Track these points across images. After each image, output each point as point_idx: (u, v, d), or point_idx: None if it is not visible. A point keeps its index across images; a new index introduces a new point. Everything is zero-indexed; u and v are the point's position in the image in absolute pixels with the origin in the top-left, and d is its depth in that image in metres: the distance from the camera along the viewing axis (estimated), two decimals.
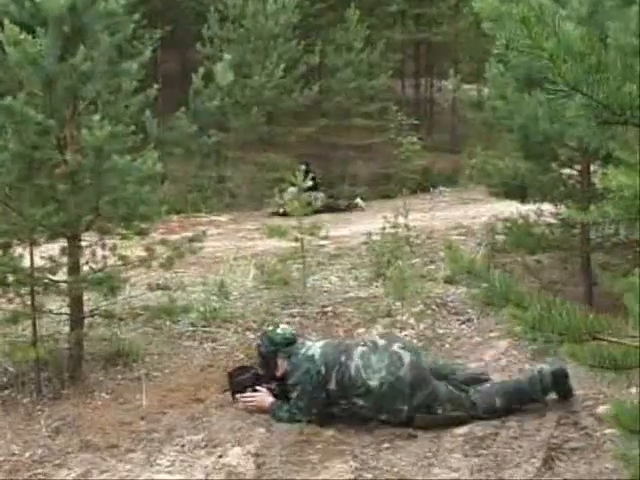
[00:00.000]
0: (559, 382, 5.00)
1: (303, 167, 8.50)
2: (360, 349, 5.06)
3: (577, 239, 7.13)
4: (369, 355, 4.99)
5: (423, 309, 6.84)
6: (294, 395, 5.00)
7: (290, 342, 5.21)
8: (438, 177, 17.57)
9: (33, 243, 5.63)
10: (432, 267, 8.39)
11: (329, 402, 4.97)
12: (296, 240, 7.86)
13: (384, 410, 4.88)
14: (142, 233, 6.03)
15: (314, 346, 5.14)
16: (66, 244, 5.81)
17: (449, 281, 7.68)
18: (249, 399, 5.19)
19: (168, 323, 6.72)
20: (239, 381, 5.28)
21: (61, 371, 5.75)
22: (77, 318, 5.82)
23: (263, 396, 5.16)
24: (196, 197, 14.97)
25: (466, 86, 16.57)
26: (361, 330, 6.61)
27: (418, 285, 7.31)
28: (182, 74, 16.84)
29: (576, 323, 2.14)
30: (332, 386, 4.94)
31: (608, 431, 4.53)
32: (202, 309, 6.85)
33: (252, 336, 6.55)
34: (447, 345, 6.32)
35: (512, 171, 7.45)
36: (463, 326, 6.66)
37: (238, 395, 5.24)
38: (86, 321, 5.95)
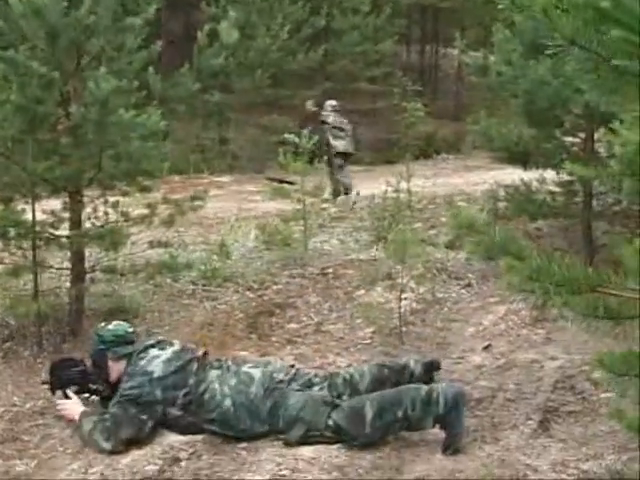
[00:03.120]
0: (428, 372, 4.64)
1: (305, 131, 8.50)
2: (215, 372, 4.50)
3: (579, 207, 7.13)
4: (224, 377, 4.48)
5: (423, 273, 6.85)
6: (112, 403, 4.35)
7: (123, 341, 4.51)
8: (441, 144, 17.54)
9: (35, 197, 5.63)
10: (433, 232, 8.39)
11: (167, 425, 4.36)
12: (298, 202, 7.86)
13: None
14: (145, 190, 6.03)
15: (156, 360, 4.40)
16: (68, 199, 5.80)
17: (450, 246, 7.68)
18: (59, 406, 4.51)
19: (168, 281, 6.74)
20: (63, 376, 4.55)
21: (62, 325, 5.78)
22: (78, 273, 5.83)
23: (72, 405, 4.45)
24: (198, 158, 14.94)
25: (472, 53, 16.49)
26: (361, 292, 6.63)
27: (419, 249, 7.30)
28: (186, 34, 16.72)
29: (575, 275, 2.15)
30: (175, 410, 4.34)
31: (604, 395, 4.56)
32: (203, 268, 6.87)
33: (252, 296, 6.57)
34: (446, 309, 6.34)
35: (515, 137, 7.43)
36: (463, 291, 6.68)
37: (57, 394, 4.56)
38: (87, 276, 5.96)
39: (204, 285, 6.74)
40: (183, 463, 4.03)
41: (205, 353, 4.67)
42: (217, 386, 4.38)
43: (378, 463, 4.03)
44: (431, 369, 4.67)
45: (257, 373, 4.47)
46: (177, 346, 4.58)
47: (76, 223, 5.76)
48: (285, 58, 17.04)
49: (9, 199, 5.68)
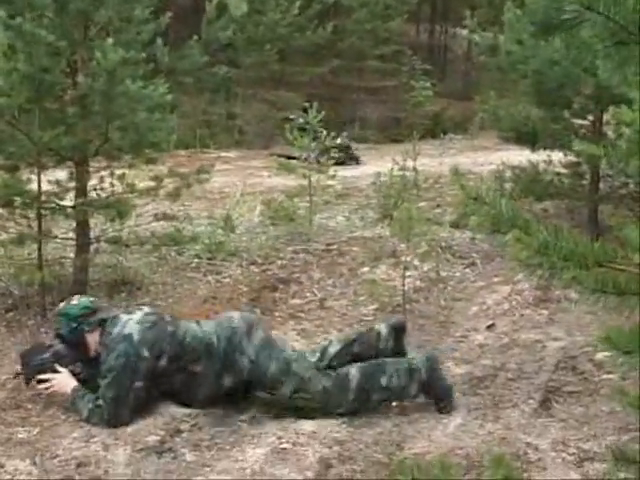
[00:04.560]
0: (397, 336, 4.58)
1: (307, 105, 8.48)
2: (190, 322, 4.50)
3: (585, 189, 7.11)
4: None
5: (428, 251, 6.84)
6: (103, 383, 4.14)
7: (91, 312, 4.33)
8: (449, 124, 17.44)
9: (41, 167, 5.62)
10: (438, 211, 8.39)
11: (157, 382, 4.24)
12: (304, 177, 7.85)
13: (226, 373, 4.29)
14: (151, 162, 6.01)
15: (130, 322, 4.22)
16: (74, 169, 5.80)
17: (455, 225, 7.68)
18: (47, 382, 4.30)
19: (173, 254, 6.75)
20: (35, 364, 4.33)
21: (65, 295, 5.75)
22: (83, 243, 5.83)
23: (64, 378, 4.28)
24: (205, 133, 14.89)
25: (482, 33, 16.40)
26: (365, 269, 6.64)
27: (424, 228, 7.30)
28: (194, 7, 16.63)
29: (582, 249, 2.14)
30: (163, 362, 4.21)
31: (605, 376, 4.58)
32: (207, 242, 6.86)
33: (256, 270, 6.58)
34: (449, 288, 6.34)
35: (523, 118, 7.41)
36: (467, 270, 6.68)
37: (37, 378, 4.33)
38: (92, 247, 5.96)
39: (208, 259, 6.75)
40: (184, 434, 4.05)
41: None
42: (196, 327, 4.37)
43: (379, 438, 4.04)
44: (398, 330, 4.62)
45: (236, 315, 4.56)
46: (146, 308, 4.51)
47: (82, 193, 5.75)
48: (294, 34, 16.94)
49: (15, 168, 5.67)
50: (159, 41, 5.93)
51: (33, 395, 4.41)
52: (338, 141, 9.16)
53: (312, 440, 4.00)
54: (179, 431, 4.07)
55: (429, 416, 4.28)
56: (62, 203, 5.75)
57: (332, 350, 4.43)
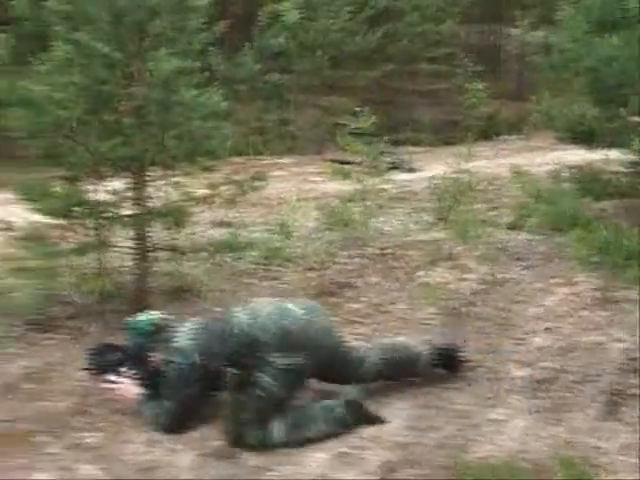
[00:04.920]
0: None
1: (358, 109, 8.49)
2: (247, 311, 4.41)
3: None
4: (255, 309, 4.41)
5: (484, 254, 6.80)
6: (164, 394, 4.26)
7: (159, 329, 4.42)
8: (503, 124, 17.32)
9: (99, 177, 5.71)
10: (494, 213, 8.32)
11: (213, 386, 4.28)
12: (358, 182, 7.85)
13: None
14: (206, 170, 6.07)
15: (180, 333, 4.32)
16: (131, 178, 5.87)
17: (511, 227, 7.62)
18: (112, 386, 4.39)
19: (229, 260, 6.79)
20: (102, 362, 4.43)
21: (125, 303, 5.86)
22: (141, 252, 5.91)
23: (128, 385, 4.37)
24: (258, 139, 14.97)
25: (534, 32, 16.25)
26: (422, 272, 6.61)
27: (480, 230, 7.26)
28: (247, 17, 16.75)
29: None
30: (218, 363, 4.22)
31: None
32: (263, 248, 6.90)
33: (312, 276, 6.59)
34: (507, 290, 6.28)
35: (579, 117, 7.33)
36: (524, 272, 6.61)
37: (103, 378, 4.42)
38: (150, 255, 6.03)
39: (265, 265, 6.78)
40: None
41: None
42: (245, 318, 4.31)
43: (443, 442, 4.02)
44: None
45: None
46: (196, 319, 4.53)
47: (139, 202, 5.83)
48: (345, 39, 16.94)
49: (74, 179, 5.77)
50: (213, 50, 5.98)
51: (99, 401, 4.48)
52: (389, 159, 9.14)
53: (375, 444, 4.00)
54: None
55: (492, 419, 4.25)
56: (120, 212, 5.83)
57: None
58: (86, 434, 4.17)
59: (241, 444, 4.03)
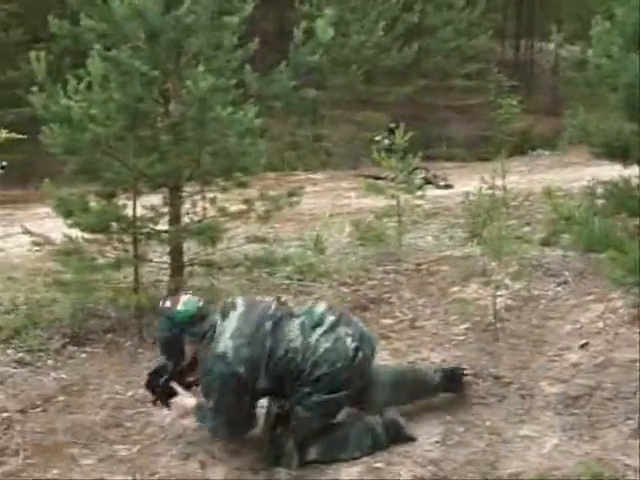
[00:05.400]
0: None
1: (392, 125, 8.51)
2: (297, 322, 4.09)
3: None
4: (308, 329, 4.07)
5: (518, 270, 6.77)
6: (209, 406, 4.02)
7: (197, 319, 4.03)
8: (537, 140, 17.28)
9: (136, 193, 5.79)
10: (528, 229, 8.30)
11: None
12: (392, 197, 7.88)
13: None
14: (242, 186, 6.13)
15: (223, 338, 3.94)
16: (168, 194, 5.95)
17: (545, 243, 7.58)
18: (168, 403, 4.21)
19: (264, 276, 6.84)
20: (157, 386, 4.22)
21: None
22: (177, 267, 5.98)
23: (183, 398, 4.15)
24: (292, 155, 15.07)
25: (569, 47, 16.19)
26: (456, 288, 6.60)
27: (514, 246, 7.23)
28: (278, 33, 16.89)
29: None
30: (263, 384, 3.98)
31: None
32: (298, 263, 6.94)
33: (346, 291, 6.62)
34: (541, 306, 6.25)
35: (615, 132, 7.28)
36: (559, 288, 6.57)
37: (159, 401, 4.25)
38: (185, 270, 6.09)
39: (299, 280, 6.82)
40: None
41: (279, 301, 4.29)
42: (300, 340, 4.01)
43: (472, 458, 4.02)
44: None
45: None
46: (241, 307, 4.11)
47: (175, 218, 5.91)
48: (379, 55, 17.02)
49: (111, 194, 5.86)
50: (248, 67, 6.04)
51: (133, 414, 4.54)
52: (422, 175, 9.15)
53: (406, 459, 4.01)
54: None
55: (523, 435, 4.24)
56: (157, 228, 5.90)
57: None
58: (120, 446, 4.23)
59: (278, 464, 3.99)
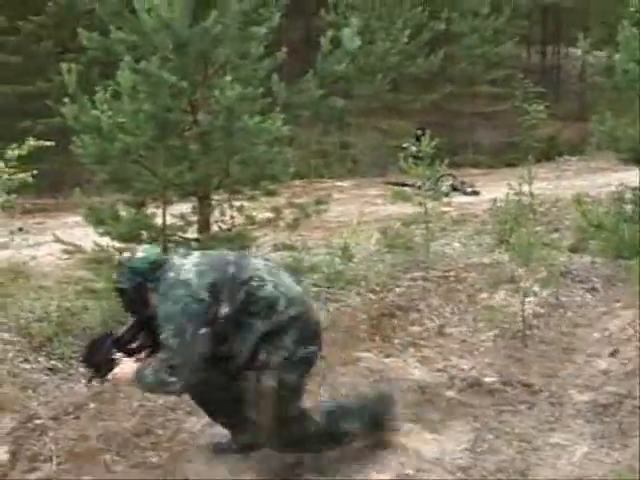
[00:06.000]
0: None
1: (419, 132, 8.52)
2: (261, 260, 3.91)
3: None
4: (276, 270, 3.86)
5: (547, 276, 6.76)
6: (162, 336, 3.60)
7: (156, 266, 3.73)
8: (564, 146, 17.20)
9: (166, 202, 5.85)
10: (556, 235, 8.28)
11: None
12: (419, 205, 7.89)
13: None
14: (270, 194, 6.17)
15: (185, 266, 3.69)
16: (197, 203, 6.00)
17: (574, 250, 7.57)
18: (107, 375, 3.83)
19: None
20: (96, 359, 3.84)
21: None
22: None
23: (123, 366, 3.78)
24: (319, 163, 15.11)
25: (596, 52, 16.12)
26: (484, 295, 6.61)
27: (542, 252, 7.22)
28: (306, 41, 16.95)
29: None
30: (225, 309, 3.63)
31: None
32: (326, 270, 6.96)
33: (374, 298, 6.64)
34: (570, 313, 6.25)
35: None
36: (587, 295, 6.57)
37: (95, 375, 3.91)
38: None
39: (327, 287, 6.84)
40: (308, 460, 4.10)
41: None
42: (266, 276, 3.74)
43: (502, 466, 4.02)
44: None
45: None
46: (201, 252, 3.96)
47: (204, 226, 5.96)
48: (405, 62, 17.04)
49: (142, 203, 5.91)
50: (275, 76, 6.08)
51: (163, 421, 4.57)
52: (449, 182, 9.16)
53: (435, 466, 4.01)
54: (302, 457, 4.13)
55: (553, 443, 4.23)
56: (186, 236, 5.95)
57: None
58: (151, 453, 4.26)
59: (279, 443, 3.85)
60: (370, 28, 16.64)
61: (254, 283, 3.69)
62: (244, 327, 3.67)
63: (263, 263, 3.84)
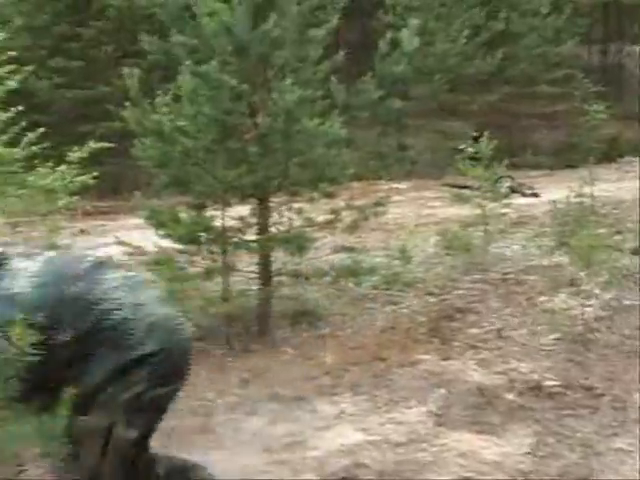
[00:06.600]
0: None
1: (476, 134, 8.47)
2: (120, 274, 3.14)
3: None
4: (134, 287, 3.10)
5: (608, 279, 6.66)
6: None
7: None
8: (626, 146, 16.93)
9: (225, 204, 5.90)
10: (619, 237, 8.15)
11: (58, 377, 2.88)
12: (479, 207, 7.83)
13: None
14: (328, 196, 6.19)
15: (21, 275, 2.96)
16: (256, 205, 6.05)
17: (636, 252, 7.44)
18: None
19: (350, 285, 6.86)
20: None
21: (250, 326, 6.02)
22: (265, 276, 6.06)
23: None
24: (377, 164, 15.08)
25: None
26: (544, 298, 6.53)
27: (604, 255, 7.12)
28: (363, 43, 16.94)
29: None
30: (63, 336, 2.89)
31: None
32: (384, 272, 6.95)
33: (433, 300, 6.61)
34: (633, 317, 6.14)
35: None
36: None
37: None
38: (273, 280, 6.16)
39: (385, 289, 6.83)
40: (367, 461, 4.10)
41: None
42: (123, 295, 3.03)
43: (565, 471, 3.96)
44: None
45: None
46: (50, 254, 3.24)
47: (263, 228, 6.00)
48: (463, 63, 16.93)
49: (202, 205, 5.98)
50: (334, 78, 6.10)
51: (223, 420, 4.61)
52: (508, 184, 9.07)
53: (496, 470, 3.98)
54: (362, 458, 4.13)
55: (617, 449, 4.17)
56: (245, 238, 6.00)
57: None
58: (212, 452, 4.29)
59: None
60: (428, 29, 16.57)
61: (107, 305, 2.98)
62: (90, 357, 2.97)
63: (122, 277, 3.11)
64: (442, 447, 4.24)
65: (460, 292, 6.79)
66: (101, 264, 3.12)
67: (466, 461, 4.07)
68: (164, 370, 3.03)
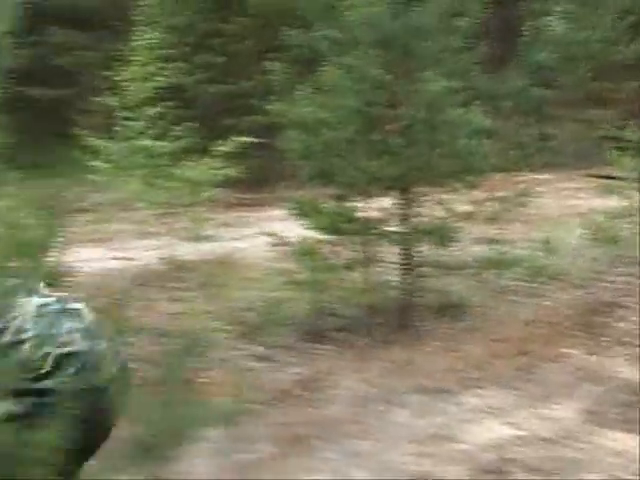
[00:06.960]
0: None
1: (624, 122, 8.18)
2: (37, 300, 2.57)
3: None
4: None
5: None
6: None
7: None
8: None
9: (368, 195, 5.93)
10: None
11: None
12: (626, 198, 7.57)
13: None
14: (471, 187, 6.12)
15: None
16: (398, 196, 6.04)
17: None
18: None
19: (492, 277, 6.76)
20: None
21: (391, 318, 6.01)
22: (407, 268, 6.05)
23: None
24: (518, 155, 14.77)
25: None
26: None
27: None
28: (505, 31, 16.60)
29: None
30: None
31: None
32: (527, 264, 6.81)
33: (578, 294, 6.44)
34: None
35: None
36: None
37: None
38: (415, 271, 6.15)
39: (528, 282, 6.70)
40: (519, 456, 4.03)
41: None
42: (31, 326, 2.47)
43: None
44: None
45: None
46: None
47: (405, 220, 5.99)
48: (609, 49, 16.33)
49: (344, 197, 6.02)
50: (477, 68, 6.03)
51: (369, 411, 4.62)
52: None
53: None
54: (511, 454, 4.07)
55: None
56: (387, 229, 6.00)
57: None
58: (361, 442, 4.31)
59: None
60: (574, 15, 16.08)
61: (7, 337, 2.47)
62: None
63: (37, 304, 2.56)
64: (594, 445, 4.13)
65: (607, 285, 6.59)
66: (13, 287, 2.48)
67: (617, 459, 3.96)
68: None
